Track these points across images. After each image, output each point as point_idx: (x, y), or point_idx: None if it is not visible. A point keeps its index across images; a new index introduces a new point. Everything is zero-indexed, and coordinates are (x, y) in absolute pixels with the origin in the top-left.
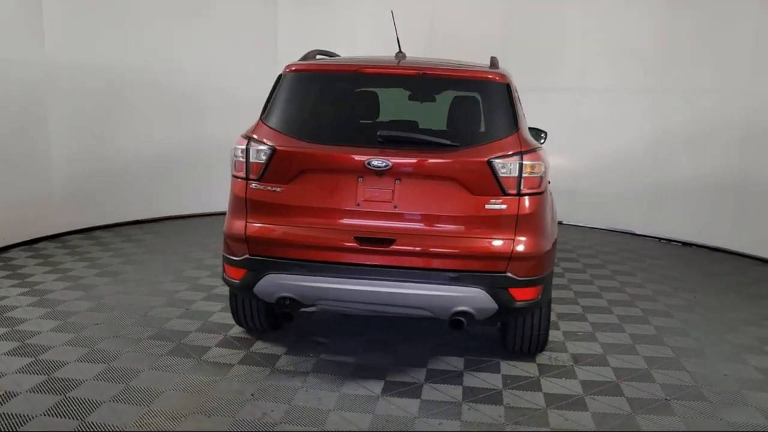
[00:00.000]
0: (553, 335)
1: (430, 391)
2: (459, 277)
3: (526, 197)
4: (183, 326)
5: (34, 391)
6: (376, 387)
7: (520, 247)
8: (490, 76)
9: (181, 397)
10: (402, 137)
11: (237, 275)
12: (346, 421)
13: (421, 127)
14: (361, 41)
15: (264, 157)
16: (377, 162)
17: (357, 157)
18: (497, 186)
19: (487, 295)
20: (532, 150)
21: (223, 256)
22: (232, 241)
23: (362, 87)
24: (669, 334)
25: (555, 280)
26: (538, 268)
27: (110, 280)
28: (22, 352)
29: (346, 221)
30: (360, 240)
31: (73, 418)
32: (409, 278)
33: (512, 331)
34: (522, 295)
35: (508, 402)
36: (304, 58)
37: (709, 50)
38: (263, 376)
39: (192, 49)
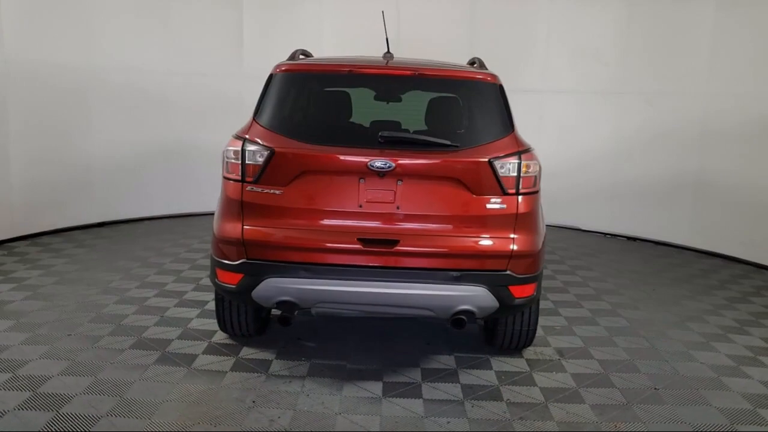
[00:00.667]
0: None
1: (430, 391)
2: (461, 276)
3: (524, 196)
4: (163, 334)
5: (22, 408)
6: (375, 388)
7: (519, 246)
8: (484, 77)
9: (181, 408)
10: (403, 138)
11: (232, 280)
12: (355, 424)
13: (404, 127)
14: (326, 42)
15: (261, 159)
16: (380, 163)
17: (359, 159)
18: (497, 185)
19: (489, 293)
20: (528, 150)
21: (214, 260)
22: (226, 245)
23: (356, 87)
24: (640, 326)
25: None
26: (534, 265)
27: (71, 287)
28: None
29: (348, 223)
30: (364, 241)
31: None
32: (413, 279)
33: (502, 328)
34: (520, 293)
35: (507, 398)
36: (291, 57)
37: (667, 53)
38: (260, 383)
39: (155, 48)
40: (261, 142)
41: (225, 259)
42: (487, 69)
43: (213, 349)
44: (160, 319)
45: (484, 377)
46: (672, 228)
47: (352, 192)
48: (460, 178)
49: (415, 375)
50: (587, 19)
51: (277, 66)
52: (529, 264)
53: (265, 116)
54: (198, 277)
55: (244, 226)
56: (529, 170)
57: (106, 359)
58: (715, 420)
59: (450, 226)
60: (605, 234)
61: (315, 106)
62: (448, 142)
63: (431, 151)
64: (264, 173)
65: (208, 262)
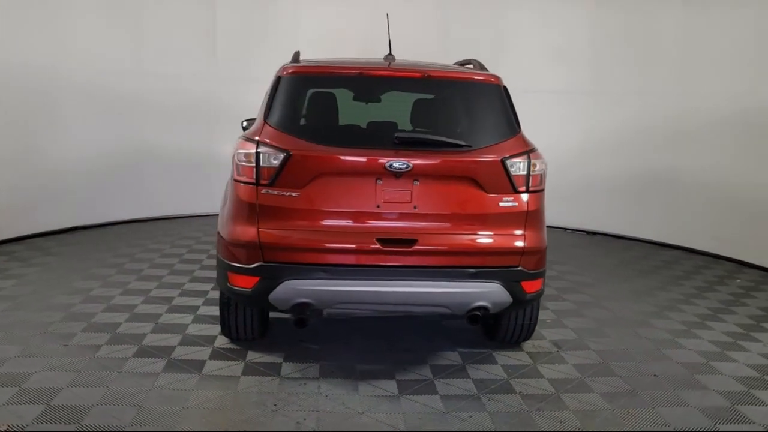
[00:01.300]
0: None
1: (445, 387)
2: (477, 273)
3: (533, 194)
4: (162, 341)
5: (41, 422)
6: (390, 387)
7: (530, 242)
8: (489, 79)
9: (204, 415)
10: (419, 139)
11: (247, 283)
12: (381, 422)
13: (400, 127)
14: (302, 40)
15: (276, 162)
16: (398, 164)
17: (377, 160)
18: (509, 184)
19: (504, 289)
20: (535, 149)
21: (225, 263)
22: (240, 248)
23: (365, 89)
24: (624, 317)
25: None
26: (542, 261)
27: (52, 296)
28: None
29: (367, 223)
30: (382, 241)
31: None
32: (431, 277)
33: (505, 323)
34: (531, 288)
35: (520, 390)
36: (294, 59)
37: (637, 53)
38: (275, 386)
39: (127, 49)
40: (276, 145)
41: (238, 263)
42: (487, 70)
43: (218, 354)
44: (155, 325)
45: (492, 371)
46: (639, 222)
47: (370, 193)
48: (474, 177)
49: (426, 372)
50: (557, 20)
51: (284, 68)
52: (538, 260)
53: (277, 118)
54: (180, 282)
55: (260, 229)
56: (537, 169)
57: (111, 369)
58: (715, 402)
59: (465, 225)
60: (565, 229)
61: (326, 107)
62: (463, 143)
63: (446, 152)
64: (280, 176)
65: (186, 267)
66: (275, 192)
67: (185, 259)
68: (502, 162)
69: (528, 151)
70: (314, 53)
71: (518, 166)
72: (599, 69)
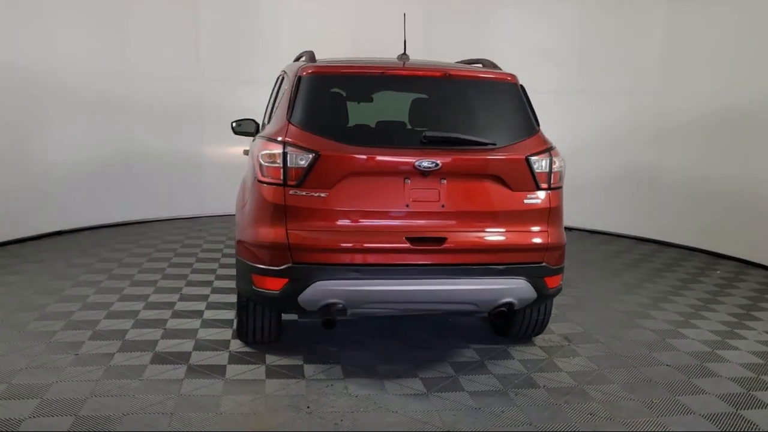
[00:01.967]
0: None
1: (469, 383)
2: (504, 270)
3: (554, 191)
4: (176, 347)
5: None
6: (417, 385)
7: (553, 238)
8: (509, 78)
9: (239, 420)
10: (447, 138)
11: (275, 285)
12: (418, 420)
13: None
14: (286, 41)
15: (304, 163)
16: (428, 163)
17: (406, 159)
18: (533, 181)
19: (529, 285)
20: (554, 147)
21: (249, 266)
22: (267, 250)
23: (387, 89)
24: (623, 310)
25: None
26: (563, 256)
27: (49, 303)
28: (11, 394)
29: (396, 223)
30: (412, 240)
31: None
32: (460, 275)
33: (519, 318)
34: (553, 283)
35: (543, 384)
36: (309, 60)
37: (620, 52)
38: (303, 388)
39: (112, 50)
40: (304, 145)
41: (264, 265)
42: (501, 69)
43: (237, 359)
44: (165, 331)
45: (512, 366)
46: (617, 219)
47: (399, 192)
48: (500, 174)
49: (447, 369)
50: (542, 20)
51: (303, 68)
52: (559, 255)
53: (301, 118)
54: (176, 287)
55: (289, 230)
56: (556, 166)
57: (131, 377)
58: (730, 389)
59: (492, 222)
60: None
61: (349, 107)
62: (488, 141)
63: (472, 150)
64: (308, 177)
65: (178, 271)
66: (303, 193)
67: (175, 263)
68: (527, 159)
69: (549, 148)
70: (297, 50)
71: (541, 163)
72: (585, 69)
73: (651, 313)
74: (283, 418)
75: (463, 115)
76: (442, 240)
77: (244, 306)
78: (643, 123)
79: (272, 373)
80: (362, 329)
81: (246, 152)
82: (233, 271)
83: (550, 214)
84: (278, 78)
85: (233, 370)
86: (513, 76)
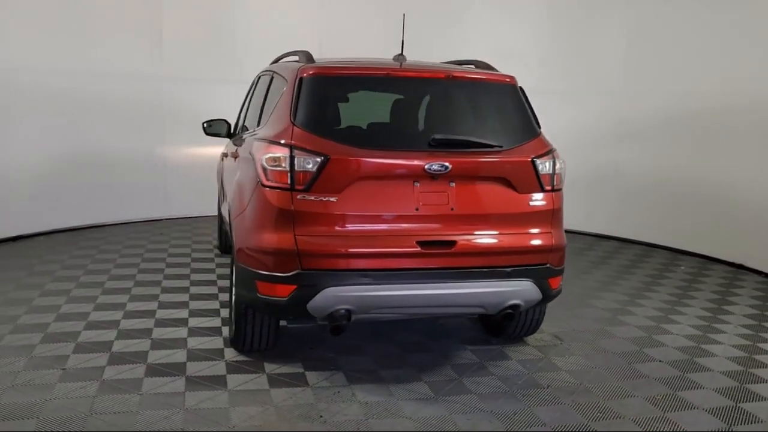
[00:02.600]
0: None
1: (475, 386)
2: (512, 272)
3: (557, 192)
4: (168, 358)
5: None
6: (423, 389)
7: (556, 240)
8: (508, 79)
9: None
10: (455, 140)
11: (282, 292)
12: (434, 426)
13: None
14: (253, 39)
15: (313, 166)
16: (438, 166)
17: (416, 162)
18: (538, 183)
19: (535, 286)
20: (555, 149)
21: (253, 273)
22: (274, 256)
23: (391, 90)
24: (603, 307)
25: None
26: (564, 257)
27: (18, 315)
28: (4, 415)
29: (407, 226)
30: (422, 244)
31: None
32: (469, 278)
33: (516, 319)
34: (555, 284)
35: (546, 384)
36: (277, 60)
37: (585, 54)
38: (310, 397)
39: (69, 47)
40: (312, 149)
41: (270, 271)
42: (497, 71)
43: (235, 368)
44: (153, 342)
45: (511, 367)
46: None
47: (409, 195)
48: (507, 177)
49: (449, 372)
50: (508, 22)
51: (304, 69)
52: (561, 256)
53: (306, 120)
54: (152, 294)
55: (297, 236)
56: (558, 168)
57: (128, 391)
58: (722, 383)
59: (499, 224)
60: None
61: (355, 109)
62: (495, 143)
63: (479, 152)
64: (317, 181)
65: (150, 277)
66: (312, 197)
67: (144, 269)
68: (532, 162)
69: (551, 150)
70: (268, 52)
71: (545, 165)
72: (550, 70)
73: (631, 309)
74: (298, 428)
75: (467, 117)
76: (452, 243)
77: (242, 313)
78: (607, 123)
79: (275, 382)
80: (355, 334)
81: (227, 155)
82: (208, 277)
83: (553, 215)
84: (257, 78)
85: (234, 381)
86: (513, 78)
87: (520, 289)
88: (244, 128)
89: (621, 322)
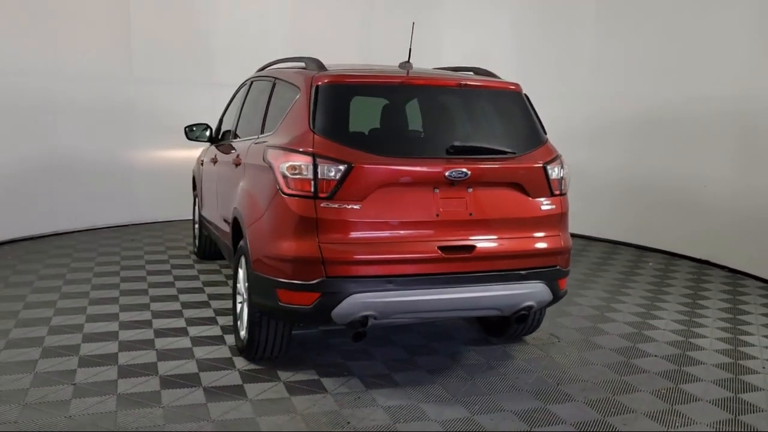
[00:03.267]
0: None
1: (488, 386)
2: (527, 275)
3: (564, 197)
4: (179, 369)
5: None
6: (439, 391)
7: (564, 242)
8: (516, 87)
9: None
10: (473, 147)
11: (306, 300)
12: (462, 428)
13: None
14: (221, 42)
15: (336, 174)
16: (458, 172)
17: (437, 169)
18: (548, 188)
19: (547, 288)
20: (560, 154)
21: (272, 281)
22: (297, 264)
23: (406, 98)
24: (590, 304)
25: None
26: (570, 259)
27: (8, 330)
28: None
29: (428, 232)
30: (444, 249)
31: None
32: (488, 281)
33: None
34: (563, 285)
35: (556, 382)
36: (263, 68)
37: (556, 57)
38: (332, 403)
39: (34, 48)
40: (335, 157)
41: (293, 279)
42: (500, 78)
43: (250, 377)
44: (159, 353)
45: (519, 367)
46: None
47: (429, 201)
48: (521, 182)
49: (461, 372)
50: (480, 24)
51: (318, 77)
52: (568, 258)
53: (326, 127)
54: (142, 303)
55: (321, 244)
56: (565, 172)
57: (149, 405)
58: (718, 375)
59: (515, 228)
60: None
61: (374, 117)
62: (510, 150)
63: (495, 159)
64: (340, 188)
65: (133, 285)
66: (336, 205)
67: (126, 276)
68: (544, 167)
69: (559, 156)
70: (240, 55)
71: (554, 170)
72: (519, 72)
73: (614, 306)
74: None
75: (481, 124)
76: (472, 248)
77: (256, 322)
78: (574, 125)
79: (293, 389)
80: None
81: (209, 161)
82: (193, 284)
83: (561, 218)
84: (249, 83)
85: (253, 390)
86: (518, 85)
87: (533, 291)
88: (233, 134)
89: (608, 318)
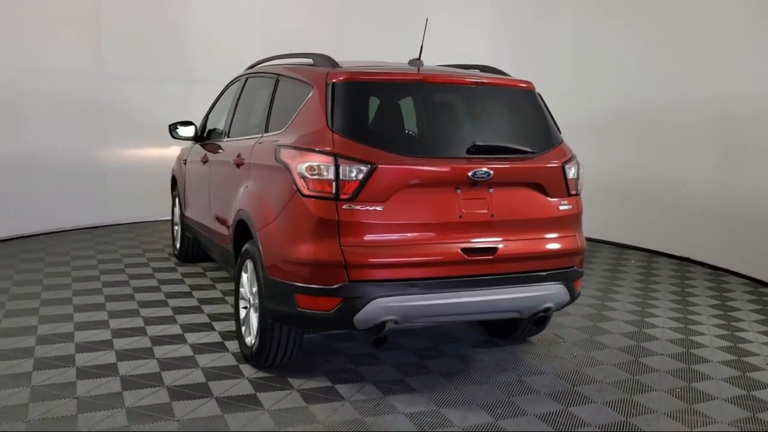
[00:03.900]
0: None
1: (504, 388)
2: (547, 276)
3: (578, 197)
4: (187, 379)
5: None
6: (457, 396)
7: (581, 243)
8: (530, 86)
9: None
10: (494, 146)
11: (327, 305)
12: None
13: None
14: (197, 36)
15: (358, 174)
16: (482, 172)
17: (461, 169)
18: (565, 188)
19: (565, 289)
20: (575, 155)
21: (291, 286)
22: (319, 268)
23: (425, 96)
24: (586, 303)
25: None
26: (584, 259)
27: (3, 338)
28: None
29: (451, 234)
30: (467, 251)
31: None
32: (509, 283)
33: (528, 321)
34: (578, 286)
35: (571, 383)
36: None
37: (533, 57)
38: (352, 411)
39: (2, 43)
40: (358, 157)
41: (313, 284)
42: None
43: (262, 386)
44: (160, 362)
45: (531, 368)
46: None
47: (452, 202)
48: (540, 182)
49: (476, 376)
50: (458, 24)
51: (333, 74)
52: (582, 259)
53: (346, 127)
54: (131, 309)
55: (344, 247)
56: (581, 172)
57: (163, 418)
58: (727, 373)
59: (535, 229)
60: None
61: (393, 116)
62: (530, 149)
63: (517, 158)
64: (363, 189)
65: (116, 291)
66: (358, 207)
67: (107, 281)
68: (562, 167)
69: (574, 155)
70: (215, 50)
71: (571, 170)
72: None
73: (608, 304)
74: None
75: (500, 123)
76: (494, 250)
77: (269, 328)
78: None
79: (309, 398)
80: (362, 343)
81: (197, 160)
82: (180, 288)
83: (577, 219)
84: (243, 80)
85: (268, 399)
86: (531, 83)
87: (553, 293)
88: (226, 133)
89: (607, 317)
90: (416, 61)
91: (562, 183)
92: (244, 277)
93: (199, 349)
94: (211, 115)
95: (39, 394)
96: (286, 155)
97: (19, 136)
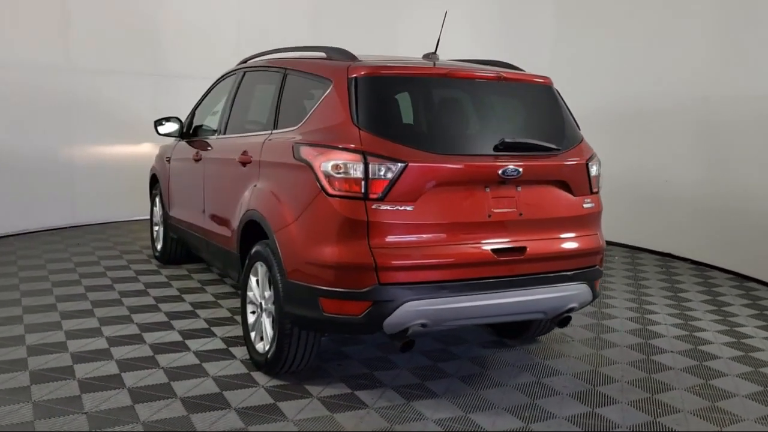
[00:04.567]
0: None
1: (527, 391)
2: (573, 276)
3: (598, 195)
4: (199, 389)
5: None
6: (481, 400)
7: (602, 241)
8: (546, 81)
9: None
10: (522, 143)
11: (356, 310)
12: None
13: None
14: (168, 28)
15: (389, 174)
16: (512, 170)
17: (491, 167)
18: (588, 186)
19: (588, 288)
20: (595, 152)
21: (315, 290)
22: (347, 271)
23: (450, 91)
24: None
25: None
26: (603, 258)
27: None
28: None
29: (482, 233)
30: (496, 251)
31: None
32: (537, 284)
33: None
34: (598, 285)
35: (591, 383)
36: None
37: (515, 56)
38: (378, 419)
39: None
40: (388, 155)
41: (340, 287)
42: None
43: (280, 394)
44: (167, 372)
45: (548, 369)
46: None
47: (482, 201)
48: (566, 180)
49: (497, 377)
50: (438, 21)
51: (354, 68)
52: (602, 258)
53: (373, 123)
54: (122, 315)
55: (374, 249)
56: (601, 170)
57: (187, 428)
58: (740, 369)
59: (561, 228)
60: None
61: (419, 112)
62: (555, 146)
63: (542, 156)
64: (392, 188)
65: (103, 296)
66: (388, 206)
67: (90, 285)
68: (587, 164)
69: (595, 153)
70: (186, 43)
71: (595, 167)
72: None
73: (606, 302)
74: None
75: (522, 119)
76: (523, 250)
77: (287, 334)
78: None
79: (332, 406)
80: (374, 345)
81: (182, 158)
82: (169, 292)
83: (598, 217)
84: (240, 74)
85: (290, 409)
86: (548, 79)
87: (579, 293)
88: (221, 130)
89: (608, 315)
90: (432, 56)
91: (585, 181)
92: (253, 280)
93: (205, 356)
94: (198, 111)
95: (43, 410)
96: (307, 153)
97: None
